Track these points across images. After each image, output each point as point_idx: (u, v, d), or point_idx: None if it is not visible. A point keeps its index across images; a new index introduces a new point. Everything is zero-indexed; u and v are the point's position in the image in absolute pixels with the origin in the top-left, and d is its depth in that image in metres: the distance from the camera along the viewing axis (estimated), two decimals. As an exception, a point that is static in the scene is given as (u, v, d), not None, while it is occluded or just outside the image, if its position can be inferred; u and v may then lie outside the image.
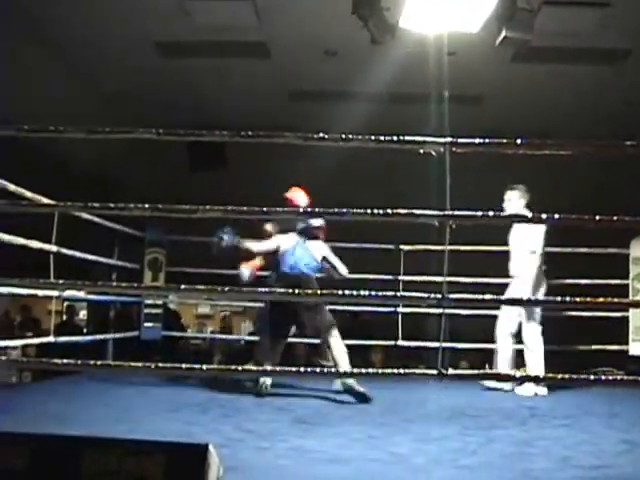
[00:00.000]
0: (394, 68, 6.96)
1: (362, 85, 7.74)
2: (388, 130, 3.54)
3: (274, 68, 7.73)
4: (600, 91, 7.91)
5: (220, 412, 4.75)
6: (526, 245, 6.24)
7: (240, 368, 3.35)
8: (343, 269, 5.90)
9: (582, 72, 7.54)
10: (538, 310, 6.21)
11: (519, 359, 6.33)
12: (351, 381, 5.49)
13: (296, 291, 3.21)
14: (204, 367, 3.01)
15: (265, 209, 3.11)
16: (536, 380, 5.96)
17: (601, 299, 3.30)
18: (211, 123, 6.68)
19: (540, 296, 6.15)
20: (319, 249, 5.87)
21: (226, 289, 3.04)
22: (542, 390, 6.09)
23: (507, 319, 6.29)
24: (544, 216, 2.89)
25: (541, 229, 6.25)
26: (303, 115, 8.48)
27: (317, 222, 5.76)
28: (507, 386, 6.22)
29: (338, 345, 5.72)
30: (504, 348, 6.28)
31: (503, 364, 6.20)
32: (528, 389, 6.11)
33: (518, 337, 6.31)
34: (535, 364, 6.13)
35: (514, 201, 6.27)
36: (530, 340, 6.22)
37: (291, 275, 5.74)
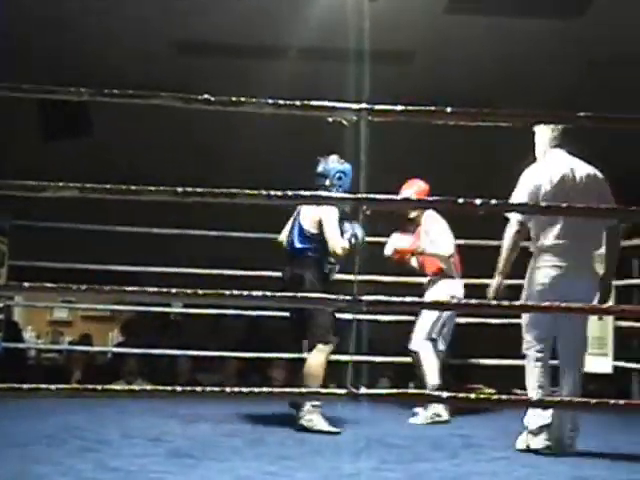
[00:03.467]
0: (304, 17, 6.97)
1: (266, 37, 7.72)
2: (297, 93, 3.54)
3: (158, 14, 7.60)
4: (555, 49, 8.04)
5: (78, 446, 4.69)
6: None
7: (107, 388, 3.29)
8: (334, 243, 5.72)
9: (533, 26, 7.65)
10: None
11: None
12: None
13: (173, 290, 3.17)
14: (54, 387, 2.95)
15: (134, 187, 3.06)
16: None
17: (549, 304, 3.40)
18: (77, 79, 6.53)
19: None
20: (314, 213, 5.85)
21: (84, 287, 2.98)
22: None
23: None
24: (460, 200, 2.94)
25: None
26: (194, 72, 8.39)
27: None
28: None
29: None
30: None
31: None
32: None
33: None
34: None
35: (539, 144, 5.17)
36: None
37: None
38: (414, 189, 6.54)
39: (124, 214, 6.58)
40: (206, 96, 3.03)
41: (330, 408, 6.14)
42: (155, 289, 3.10)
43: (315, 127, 4.95)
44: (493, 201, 3.05)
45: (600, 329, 7.49)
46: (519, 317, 5.06)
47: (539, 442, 4.80)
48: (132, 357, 8.15)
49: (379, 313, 6.87)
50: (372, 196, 3.01)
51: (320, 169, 5.82)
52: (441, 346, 6.54)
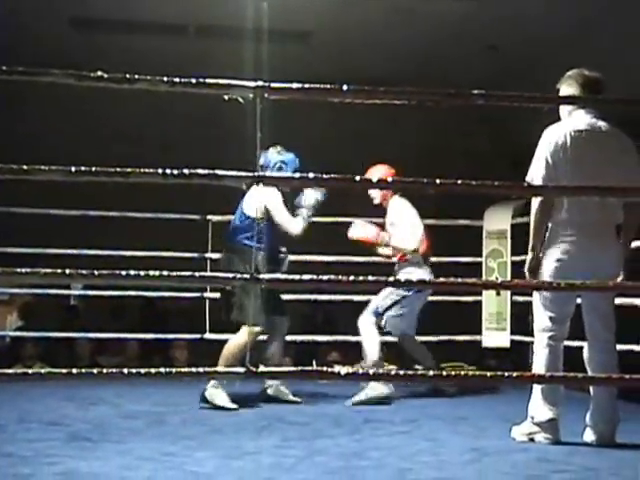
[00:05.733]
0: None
1: (164, 14, 7.63)
2: (195, 70, 3.50)
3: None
4: (459, 31, 8.06)
5: (-30, 433, 4.58)
6: None
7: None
8: (290, 226, 5.77)
9: (436, 8, 7.68)
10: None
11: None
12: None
13: (67, 271, 3.11)
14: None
15: (26, 167, 2.99)
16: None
17: (442, 279, 3.45)
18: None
19: None
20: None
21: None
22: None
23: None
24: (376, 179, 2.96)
25: None
26: (90, 49, 8.25)
27: None
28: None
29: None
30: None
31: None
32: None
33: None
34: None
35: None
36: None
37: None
38: (377, 176, 6.25)
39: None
40: (99, 73, 2.97)
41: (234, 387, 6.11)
42: (49, 270, 3.03)
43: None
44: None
45: (498, 305, 7.63)
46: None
47: (546, 436, 4.41)
48: (31, 341, 8.00)
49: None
50: (269, 174, 3.01)
51: (261, 161, 5.83)
52: (410, 331, 6.51)
